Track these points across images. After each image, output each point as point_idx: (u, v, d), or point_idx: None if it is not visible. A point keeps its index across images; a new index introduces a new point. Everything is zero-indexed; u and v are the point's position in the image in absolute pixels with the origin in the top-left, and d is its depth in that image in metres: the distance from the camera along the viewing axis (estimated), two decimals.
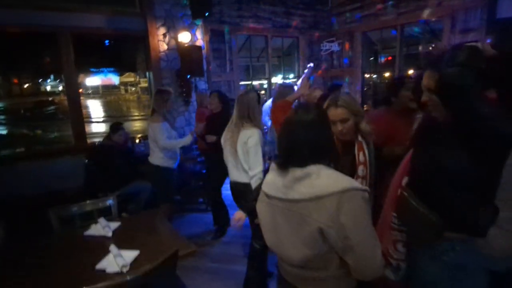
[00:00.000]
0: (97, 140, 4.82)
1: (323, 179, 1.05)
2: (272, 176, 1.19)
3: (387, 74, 9.00)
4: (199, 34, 5.29)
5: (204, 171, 4.55)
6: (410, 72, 6.22)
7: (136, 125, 15.76)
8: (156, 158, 3.12)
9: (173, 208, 3.40)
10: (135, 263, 1.63)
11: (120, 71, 16.18)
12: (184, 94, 5.22)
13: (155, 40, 4.91)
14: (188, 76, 4.86)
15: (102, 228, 2.02)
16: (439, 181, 1.11)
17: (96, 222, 2.12)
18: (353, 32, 6.65)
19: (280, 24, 6.37)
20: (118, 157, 3.56)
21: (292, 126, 1.14)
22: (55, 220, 2.16)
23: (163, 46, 5.00)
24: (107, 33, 4.64)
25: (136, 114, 20.00)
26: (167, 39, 5.01)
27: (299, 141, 1.10)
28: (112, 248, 1.73)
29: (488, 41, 4.72)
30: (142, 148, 4.29)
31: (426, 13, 2.68)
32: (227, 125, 2.51)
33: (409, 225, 1.18)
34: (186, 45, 4.98)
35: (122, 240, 1.88)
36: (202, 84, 5.45)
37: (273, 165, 1.21)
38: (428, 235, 1.12)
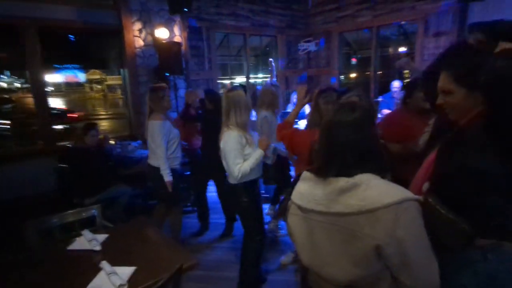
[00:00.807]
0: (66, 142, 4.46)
1: (374, 190, 0.94)
2: (307, 186, 1.06)
3: (353, 75, 9.26)
4: (176, 30, 5.08)
5: (188, 172, 4.37)
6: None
7: (104, 124, 15.01)
8: (155, 158, 2.81)
9: (181, 212, 3.24)
10: (133, 281, 1.47)
11: (90, 68, 15.29)
12: None
13: (130, 36, 4.64)
14: (167, 74, 4.64)
15: (87, 241, 1.83)
16: (468, 185, 1.08)
17: (79, 235, 1.92)
18: (330, 33, 6.73)
19: (259, 23, 6.29)
20: (94, 160, 3.30)
21: (332, 128, 1.02)
22: (32, 234, 1.93)
23: (139, 42, 4.75)
24: (77, 26, 4.30)
25: (103, 113, 19.08)
26: (143, 34, 4.76)
27: (339, 144, 0.99)
28: (104, 264, 1.56)
29: None
30: (119, 149, 4.03)
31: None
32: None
33: (437, 233, 1.14)
34: (163, 41, 4.75)
35: (113, 254, 1.70)
36: (181, 83, 5.25)
37: (306, 175, 1.10)
38: (458, 243, 1.09)
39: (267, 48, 7.13)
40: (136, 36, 4.71)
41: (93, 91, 23.00)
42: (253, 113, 5.70)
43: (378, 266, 0.95)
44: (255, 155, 2.14)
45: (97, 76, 20.96)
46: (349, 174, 0.96)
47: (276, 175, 3.26)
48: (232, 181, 2.22)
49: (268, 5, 6.37)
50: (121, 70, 4.87)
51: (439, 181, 1.20)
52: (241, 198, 2.20)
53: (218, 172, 3.32)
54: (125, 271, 1.54)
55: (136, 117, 4.85)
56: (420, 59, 5.46)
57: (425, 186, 1.26)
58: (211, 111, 3.21)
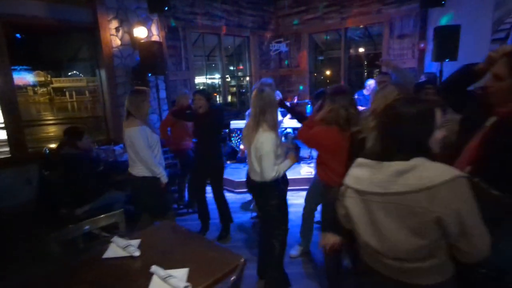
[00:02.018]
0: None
1: (430, 170, 1.08)
2: (363, 171, 1.17)
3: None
4: (154, 29, 4.92)
5: (178, 172, 4.26)
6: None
7: (51, 130, 13.84)
8: (139, 168, 2.66)
9: (174, 217, 3.12)
10: (192, 281, 1.45)
11: (57, 70, 13.90)
12: None
13: (107, 34, 4.40)
14: (150, 75, 4.48)
15: (122, 248, 1.75)
16: None
17: (108, 242, 1.83)
18: (300, 34, 6.97)
19: (233, 23, 6.32)
20: (86, 166, 3.10)
21: (396, 119, 1.13)
22: (55, 245, 1.79)
23: (116, 41, 4.52)
24: (46, 23, 3.98)
25: (51, 117, 17.57)
26: (120, 33, 4.55)
27: (401, 135, 1.11)
28: (156, 269, 1.51)
29: (422, 45, 5.45)
30: (103, 154, 3.81)
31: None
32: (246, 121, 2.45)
33: (486, 210, 1.30)
34: (142, 40, 4.59)
35: (155, 258, 1.65)
36: (161, 83, 5.09)
37: (361, 161, 1.20)
38: (501, 216, 1.26)
39: (239, 48, 7.17)
40: (113, 35, 4.48)
41: (36, 94, 20.99)
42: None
43: (437, 235, 1.09)
44: (287, 163, 2.22)
45: (42, 78, 19.19)
46: (406, 159, 1.10)
47: None
48: (260, 179, 2.24)
49: (241, 6, 6.43)
50: (97, 70, 4.59)
51: (485, 163, 1.36)
52: (271, 192, 2.25)
53: (215, 173, 3.32)
54: (179, 273, 1.51)
55: (115, 120, 4.61)
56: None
57: (467, 169, 1.43)
58: (206, 112, 3.14)
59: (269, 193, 2.25)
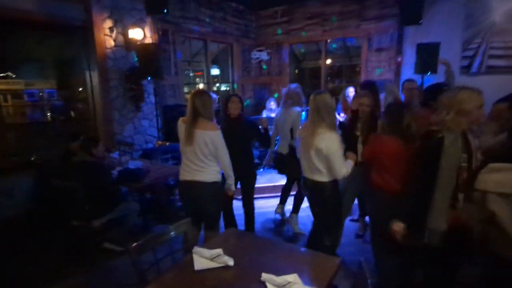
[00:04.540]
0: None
1: None
2: (503, 175, 1.28)
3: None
4: (147, 31, 4.70)
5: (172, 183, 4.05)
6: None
7: None
8: (211, 173, 2.43)
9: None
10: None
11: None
12: (135, 99, 4.53)
13: (101, 34, 4.11)
14: (149, 78, 4.26)
15: (209, 259, 1.65)
16: None
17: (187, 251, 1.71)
18: (281, 44, 7.17)
19: (219, 30, 6.29)
20: (105, 175, 2.83)
21: None
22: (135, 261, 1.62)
23: (110, 42, 4.24)
24: (36, 19, 3.60)
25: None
26: (114, 34, 4.27)
27: None
28: (268, 277, 1.46)
29: (399, 59, 5.96)
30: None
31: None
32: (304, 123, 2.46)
33: None
34: (138, 42, 4.36)
35: (249, 267, 1.59)
36: (150, 88, 4.84)
37: (497, 166, 1.31)
38: None
39: (221, 54, 7.13)
40: (107, 35, 4.19)
41: None
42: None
43: None
44: (351, 163, 2.32)
45: None
46: None
47: (291, 166, 3.37)
48: (322, 178, 2.30)
49: (226, 13, 6.43)
50: (87, 72, 4.22)
51: None
52: (328, 191, 2.31)
53: (247, 180, 3.22)
54: (291, 279, 1.48)
55: (107, 126, 4.28)
56: (365, 70, 6.33)
57: None
58: (236, 117, 3.07)
59: (329, 193, 2.31)
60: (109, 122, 4.30)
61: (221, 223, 3.32)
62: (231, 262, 1.62)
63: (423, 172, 1.79)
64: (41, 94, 5.58)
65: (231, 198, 2.83)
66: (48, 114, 5.75)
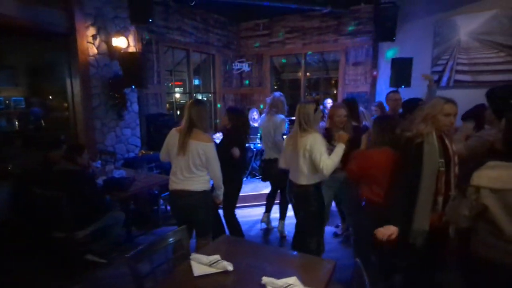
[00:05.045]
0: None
1: None
2: (498, 172, 1.41)
3: None
4: (131, 40, 4.67)
5: (156, 192, 4.01)
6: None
7: None
8: (200, 182, 2.45)
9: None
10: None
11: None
12: (117, 107, 4.46)
13: (83, 42, 4.04)
14: (133, 87, 4.22)
15: (208, 265, 1.66)
16: None
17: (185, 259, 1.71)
18: (261, 55, 7.33)
19: (201, 40, 6.35)
20: (90, 184, 2.76)
21: None
22: (133, 270, 1.59)
23: (93, 50, 4.17)
24: (16, 23, 3.50)
25: None
26: (97, 41, 4.21)
27: None
28: (268, 280, 1.50)
29: (374, 73, 6.27)
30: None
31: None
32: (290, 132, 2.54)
33: None
34: (122, 51, 4.33)
35: (247, 271, 1.62)
36: (133, 97, 4.80)
37: (493, 163, 1.44)
38: None
39: (203, 64, 7.17)
40: (90, 42, 4.13)
41: None
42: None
43: None
44: (338, 150, 2.37)
45: None
46: None
47: (275, 173, 3.45)
48: (305, 181, 2.37)
49: (208, 24, 6.52)
50: (68, 79, 4.12)
51: None
52: (311, 197, 2.40)
53: (230, 181, 3.23)
54: (291, 281, 1.53)
55: (89, 135, 4.18)
56: (343, 83, 6.60)
57: None
58: (230, 129, 3.10)
59: (312, 198, 2.39)
60: (90, 130, 4.20)
61: None
62: (230, 267, 1.65)
63: (407, 177, 1.92)
64: (7, 102, 5.36)
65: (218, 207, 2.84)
66: (16, 122, 5.52)
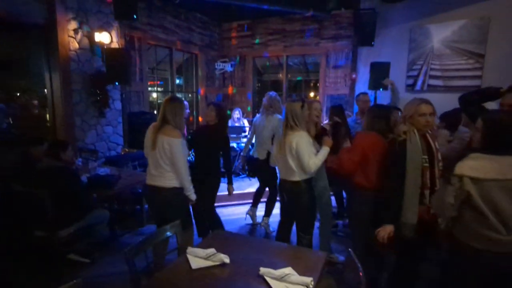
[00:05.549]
0: None
1: None
2: (480, 163, 1.54)
3: None
4: (114, 36, 4.58)
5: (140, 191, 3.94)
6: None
7: None
8: (170, 179, 2.44)
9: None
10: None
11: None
12: (99, 104, 4.36)
13: (64, 35, 3.93)
14: (117, 83, 4.13)
15: (205, 258, 1.68)
16: None
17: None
18: (244, 56, 7.38)
19: (183, 39, 6.31)
20: (75, 182, 2.69)
21: (504, 124, 1.56)
22: (132, 263, 1.58)
23: (74, 44, 4.06)
24: None
25: None
26: (79, 36, 4.10)
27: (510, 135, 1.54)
28: (266, 271, 1.54)
29: (354, 76, 6.49)
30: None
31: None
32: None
33: None
34: (105, 46, 4.23)
35: (244, 263, 1.65)
36: (116, 93, 4.70)
37: (475, 155, 1.57)
38: None
39: (185, 64, 7.12)
40: (71, 36, 4.01)
41: None
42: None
43: None
44: (323, 152, 2.45)
45: None
46: None
47: (266, 171, 3.52)
48: (295, 178, 2.44)
49: (191, 23, 6.49)
50: (47, 74, 3.98)
51: None
52: (303, 194, 2.45)
53: (209, 186, 3.25)
54: (287, 271, 1.58)
55: (68, 132, 4.05)
56: (323, 86, 6.78)
57: None
58: (213, 125, 3.11)
59: (304, 194, 2.46)
60: (70, 127, 4.07)
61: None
62: (227, 260, 1.68)
63: (393, 173, 2.04)
64: None
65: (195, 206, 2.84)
66: None
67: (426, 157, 2.02)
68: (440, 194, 1.75)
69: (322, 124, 2.76)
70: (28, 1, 3.59)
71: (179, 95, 6.98)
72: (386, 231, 2.01)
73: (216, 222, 3.23)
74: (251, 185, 4.86)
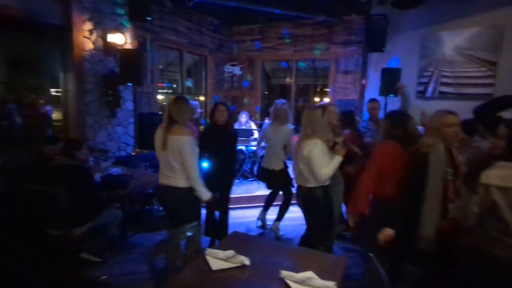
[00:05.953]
0: None
1: None
2: (510, 172, 1.53)
3: None
4: (128, 37, 4.62)
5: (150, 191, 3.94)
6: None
7: None
8: (183, 178, 2.41)
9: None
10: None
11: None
12: (111, 105, 4.38)
13: (80, 36, 3.97)
14: (129, 84, 4.16)
15: (224, 259, 1.67)
16: None
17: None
18: (253, 60, 7.41)
19: (194, 42, 6.35)
20: (89, 180, 2.69)
21: None
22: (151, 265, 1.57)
23: (89, 45, 4.09)
24: (8, 13, 3.39)
25: None
26: (93, 37, 4.14)
27: None
28: (287, 274, 1.53)
29: (363, 82, 6.48)
30: None
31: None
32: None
33: None
34: (119, 47, 4.27)
35: (264, 265, 1.64)
36: (128, 95, 4.72)
37: (502, 163, 1.55)
38: None
39: (194, 66, 7.16)
40: (86, 37, 4.04)
41: None
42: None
43: None
44: (336, 161, 2.44)
45: None
46: None
47: (281, 180, 3.51)
48: (311, 184, 2.42)
49: (202, 26, 6.53)
50: (60, 73, 4.01)
51: None
52: (318, 200, 2.43)
53: (226, 186, 3.27)
54: (309, 275, 1.57)
55: (80, 130, 4.07)
56: (332, 91, 6.77)
57: None
58: (223, 124, 3.14)
59: (319, 199, 2.45)
60: (81, 127, 4.09)
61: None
62: (247, 262, 1.67)
63: (412, 186, 2.01)
64: None
65: (210, 205, 2.82)
66: None
67: (451, 170, 1.99)
68: (462, 204, 1.73)
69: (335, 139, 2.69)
70: (45, 2, 3.63)
71: (188, 97, 7.01)
72: (385, 234, 1.99)
73: (223, 226, 3.26)
74: (259, 188, 4.84)
